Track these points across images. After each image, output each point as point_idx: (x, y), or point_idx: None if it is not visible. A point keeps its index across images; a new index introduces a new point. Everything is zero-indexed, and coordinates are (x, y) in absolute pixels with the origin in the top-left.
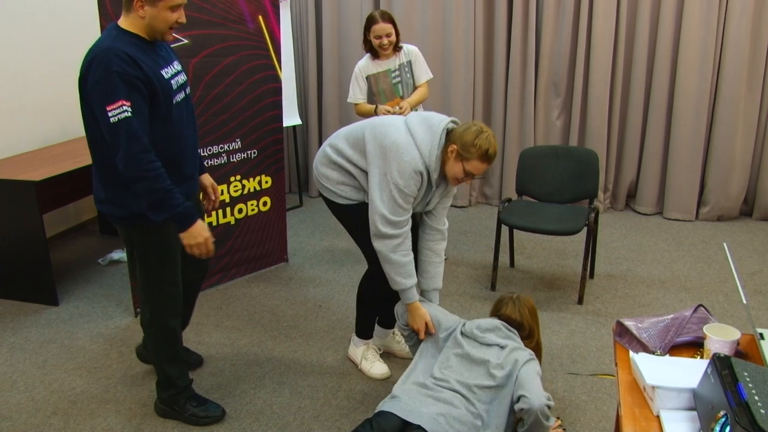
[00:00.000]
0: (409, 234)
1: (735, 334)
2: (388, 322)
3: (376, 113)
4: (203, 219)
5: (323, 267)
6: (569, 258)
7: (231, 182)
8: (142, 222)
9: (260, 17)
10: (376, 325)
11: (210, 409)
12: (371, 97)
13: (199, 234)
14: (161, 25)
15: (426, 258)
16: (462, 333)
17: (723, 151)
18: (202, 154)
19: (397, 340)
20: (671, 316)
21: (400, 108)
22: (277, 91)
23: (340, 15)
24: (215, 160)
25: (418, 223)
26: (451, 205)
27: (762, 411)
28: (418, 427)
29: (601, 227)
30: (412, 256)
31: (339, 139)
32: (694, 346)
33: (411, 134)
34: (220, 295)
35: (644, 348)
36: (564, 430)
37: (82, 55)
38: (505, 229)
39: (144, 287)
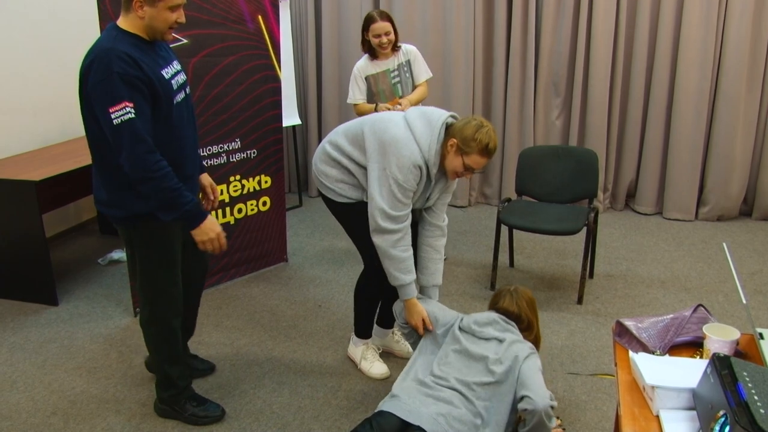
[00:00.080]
0: (409, 229)
1: (734, 334)
2: (388, 322)
3: (376, 112)
4: None
5: (323, 267)
6: (569, 258)
7: (231, 182)
8: (143, 223)
9: (260, 17)
10: (375, 325)
11: (210, 409)
12: (371, 97)
13: (210, 230)
14: (161, 25)
15: (426, 254)
16: (460, 328)
17: (723, 151)
18: (201, 153)
19: (396, 340)
20: (671, 316)
21: (401, 106)
22: (277, 91)
23: (340, 15)
24: (215, 160)
25: (417, 220)
26: (451, 205)
27: (761, 411)
28: (418, 427)
29: (601, 227)
30: (411, 251)
31: (338, 135)
32: (693, 346)
33: (410, 129)
34: (219, 295)
35: (644, 348)
36: (564, 429)
37: (82, 55)
38: (504, 229)
39: (145, 287)
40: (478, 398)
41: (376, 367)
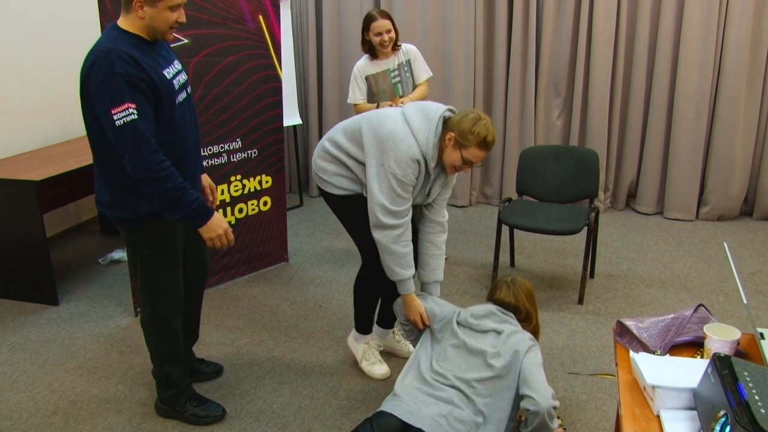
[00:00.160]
0: (410, 225)
1: (735, 334)
2: (388, 322)
3: None
4: None
5: (323, 267)
6: (569, 258)
7: (231, 182)
8: (146, 224)
9: (260, 17)
10: (376, 325)
11: (210, 409)
12: (371, 97)
13: (218, 226)
14: (161, 25)
15: (426, 251)
16: (458, 322)
17: (723, 151)
18: (202, 153)
19: (397, 340)
20: (671, 315)
21: (402, 104)
22: (278, 90)
23: (341, 15)
24: (215, 160)
25: (416, 216)
26: (452, 205)
27: (762, 411)
28: (419, 429)
29: (602, 227)
30: (411, 246)
31: (337, 132)
32: (694, 346)
33: (408, 123)
34: (220, 295)
35: (644, 348)
36: (564, 429)
37: (82, 55)
38: (505, 229)
39: (146, 288)
40: (479, 395)
41: (377, 368)
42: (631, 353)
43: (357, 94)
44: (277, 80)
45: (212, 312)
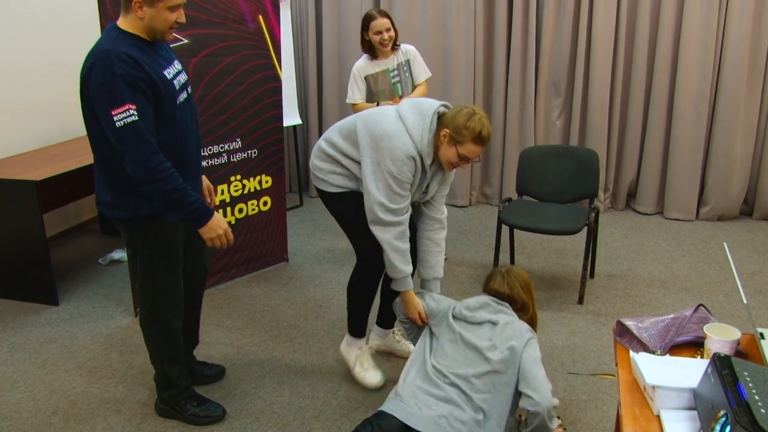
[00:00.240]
0: (408, 222)
1: (735, 334)
2: (388, 322)
3: None
4: None
5: (323, 267)
6: (569, 258)
7: (231, 182)
8: (147, 224)
9: (260, 17)
10: (376, 325)
11: (210, 409)
12: (370, 97)
13: (218, 227)
14: (161, 26)
15: (425, 248)
16: (453, 316)
17: (723, 151)
18: (202, 153)
19: (397, 340)
20: (671, 315)
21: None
22: (277, 90)
23: (340, 15)
24: (216, 160)
25: (415, 214)
26: (452, 205)
27: (762, 411)
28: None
29: (602, 227)
30: (409, 243)
31: (333, 132)
32: (694, 346)
33: (402, 121)
34: (220, 295)
35: (644, 348)
36: (564, 429)
37: (82, 55)
38: (505, 229)
39: (146, 288)
40: (477, 391)
41: (370, 376)
42: (631, 353)
43: (356, 94)
44: (277, 80)
45: (212, 312)
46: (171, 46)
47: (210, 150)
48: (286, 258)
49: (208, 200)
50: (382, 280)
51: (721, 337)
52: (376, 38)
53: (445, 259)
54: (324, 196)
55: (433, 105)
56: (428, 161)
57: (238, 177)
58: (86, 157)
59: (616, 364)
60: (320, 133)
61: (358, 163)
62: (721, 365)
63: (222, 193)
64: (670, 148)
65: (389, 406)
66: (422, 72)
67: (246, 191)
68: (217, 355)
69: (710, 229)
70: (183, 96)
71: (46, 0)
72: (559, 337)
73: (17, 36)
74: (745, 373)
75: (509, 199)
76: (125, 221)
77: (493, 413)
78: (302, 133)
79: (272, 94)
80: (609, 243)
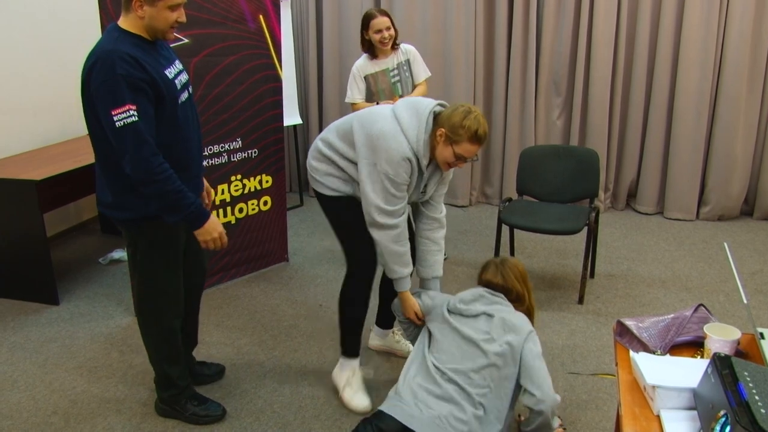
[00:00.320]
0: (406, 223)
1: (735, 334)
2: (388, 322)
3: None
4: None
5: (324, 266)
6: (570, 257)
7: (232, 182)
8: (149, 224)
9: (261, 16)
10: (375, 326)
11: (210, 408)
12: (370, 97)
13: (213, 230)
14: (161, 25)
15: (425, 247)
16: (448, 310)
17: (724, 151)
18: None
19: (397, 340)
20: (672, 315)
21: None
22: (278, 90)
23: (341, 14)
24: (216, 160)
25: (413, 213)
26: (452, 205)
27: (762, 411)
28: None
29: (602, 227)
30: (408, 244)
31: (330, 132)
32: (694, 346)
33: (398, 121)
34: (220, 295)
35: (645, 347)
36: (564, 429)
37: (82, 55)
38: (505, 229)
39: (146, 288)
40: (476, 386)
41: (358, 399)
42: (632, 353)
43: (356, 93)
44: (278, 80)
45: (212, 312)
46: (171, 45)
47: (210, 150)
48: (286, 258)
49: (206, 201)
50: (380, 281)
51: (721, 337)
52: (376, 37)
53: (445, 259)
54: (320, 198)
55: (429, 105)
56: (424, 162)
57: (239, 177)
58: (86, 157)
59: (616, 364)
60: (321, 133)
61: (355, 164)
62: (722, 365)
63: (222, 192)
64: (671, 148)
65: (388, 406)
66: (422, 72)
67: (246, 191)
68: (218, 354)
69: (711, 229)
70: (184, 96)
71: (46, 0)
72: (559, 336)
73: (17, 36)
74: (745, 373)
75: (509, 199)
76: (126, 221)
77: (492, 408)
78: (302, 132)
79: (272, 93)
80: (609, 243)
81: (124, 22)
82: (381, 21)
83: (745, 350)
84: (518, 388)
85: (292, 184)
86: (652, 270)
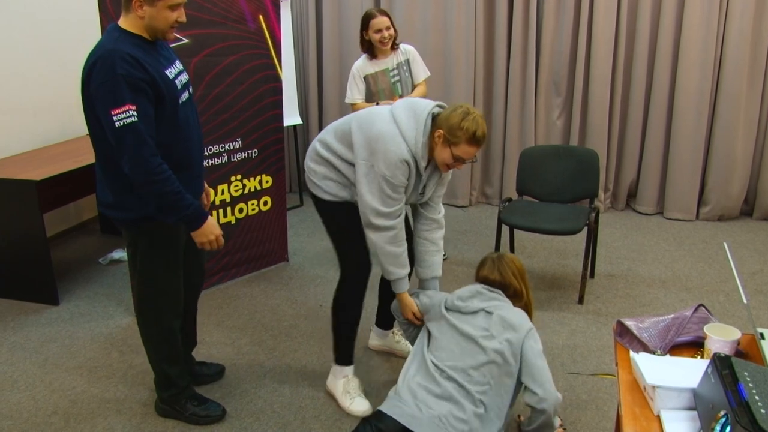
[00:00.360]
0: (403, 224)
1: (735, 334)
2: (387, 323)
3: None
4: None
5: (324, 266)
6: (570, 258)
7: (232, 182)
8: (149, 225)
9: (261, 16)
10: (375, 326)
11: (210, 409)
12: (370, 97)
13: (210, 232)
14: (161, 25)
15: (423, 248)
16: (446, 308)
17: (724, 151)
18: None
19: (397, 340)
20: (672, 315)
21: None
22: (278, 90)
23: (341, 14)
24: (216, 160)
25: (411, 214)
26: (452, 205)
27: (762, 411)
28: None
29: (602, 227)
30: (405, 245)
31: (328, 133)
32: (694, 346)
33: (396, 122)
34: (220, 295)
35: (645, 348)
36: (564, 429)
37: (82, 55)
38: (505, 229)
39: (146, 288)
40: (476, 383)
41: (357, 404)
42: (632, 353)
43: (355, 93)
44: (278, 80)
45: (212, 312)
46: (171, 45)
47: (210, 150)
48: (286, 258)
49: (205, 202)
50: (379, 282)
51: (721, 337)
52: (376, 36)
53: (445, 259)
54: (316, 201)
55: (427, 106)
56: (423, 164)
57: (239, 177)
58: (86, 157)
59: (617, 364)
60: (318, 134)
61: (353, 166)
62: (722, 365)
63: (222, 192)
64: (671, 147)
65: (388, 407)
66: (421, 71)
67: (246, 191)
68: (218, 354)
69: (710, 229)
70: (185, 96)
71: (46, 0)
72: (559, 337)
73: (17, 36)
74: (746, 373)
75: (509, 199)
76: (127, 222)
77: (493, 406)
78: (302, 132)
79: (272, 93)
80: (609, 243)
81: (124, 22)
82: (381, 20)
83: (745, 350)
84: (518, 385)
85: (292, 184)
86: (652, 270)
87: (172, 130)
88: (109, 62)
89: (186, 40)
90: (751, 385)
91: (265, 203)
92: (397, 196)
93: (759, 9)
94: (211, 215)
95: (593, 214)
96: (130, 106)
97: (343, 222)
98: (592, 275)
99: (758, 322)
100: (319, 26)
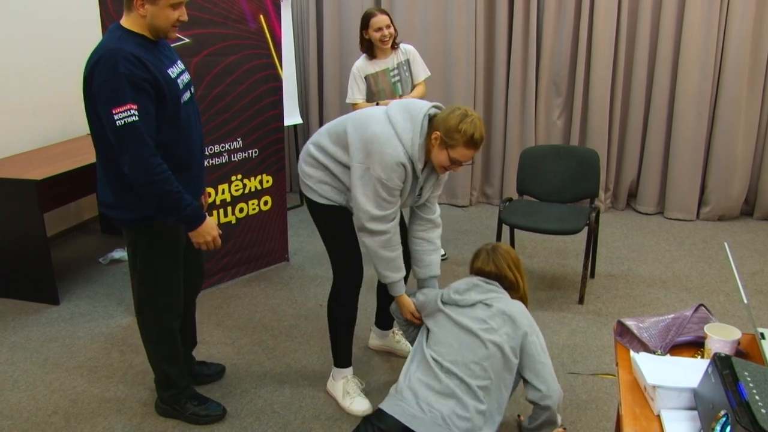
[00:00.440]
0: (398, 228)
1: (736, 334)
2: (387, 323)
3: None
4: None
5: (324, 266)
6: (570, 257)
7: (232, 181)
8: (150, 225)
9: (261, 16)
10: (375, 326)
11: (211, 408)
12: (371, 97)
13: (207, 233)
14: (163, 24)
15: (419, 247)
16: (443, 302)
17: (724, 151)
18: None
19: (397, 340)
20: (672, 315)
21: None
22: (278, 90)
23: (341, 14)
24: (216, 160)
25: (405, 215)
26: (452, 205)
27: (763, 411)
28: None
29: (602, 227)
30: (400, 249)
31: (322, 135)
32: (694, 346)
33: (391, 124)
34: (220, 295)
35: (645, 347)
36: (564, 429)
37: (82, 55)
38: (506, 229)
39: (147, 288)
40: (476, 377)
41: (358, 403)
42: (632, 353)
43: (356, 93)
44: (278, 80)
45: (212, 312)
46: (172, 45)
47: (211, 149)
48: (286, 257)
49: (202, 202)
50: (378, 283)
51: (721, 337)
52: (376, 35)
53: (445, 259)
54: (310, 204)
55: (424, 107)
56: (419, 166)
57: (239, 176)
58: (86, 157)
59: (617, 364)
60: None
61: (348, 168)
62: (722, 365)
63: (223, 192)
64: (671, 148)
65: (389, 405)
66: (422, 71)
67: (247, 191)
68: (218, 354)
69: (711, 229)
70: (186, 95)
71: (46, 0)
72: (559, 336)
73: (17, 36)
74: (746, 373)
75: (510, 199)
76: (127, 222)
77: (493, 401)
78: (303, 132)
79: (273, 93)
80: (609, 243)
81: (126, 22)
82: (381, 19)
83: (746, 350)
84: (517, 381)
85: (292, 184)
86: (653, 270)
87: (174, 129)
88: (111, 61)
89: (187, 40)
90: (751, 385)
91: (266, 203)
92: (392, 199)
93: (759, 10)
94: (211, 215)
95: (593, 214)
96: (132, 106)
97: (337, 226)
98: (592, 275)
99: (758, 322)
100: (320, 26)
